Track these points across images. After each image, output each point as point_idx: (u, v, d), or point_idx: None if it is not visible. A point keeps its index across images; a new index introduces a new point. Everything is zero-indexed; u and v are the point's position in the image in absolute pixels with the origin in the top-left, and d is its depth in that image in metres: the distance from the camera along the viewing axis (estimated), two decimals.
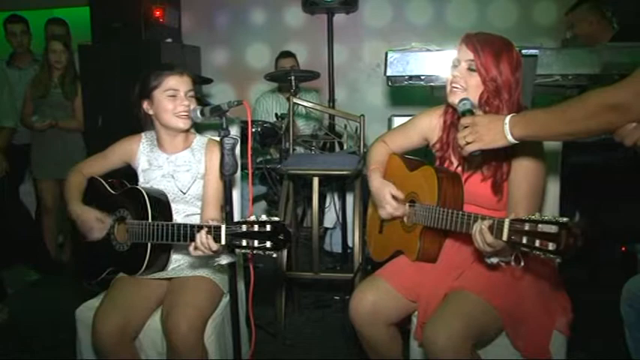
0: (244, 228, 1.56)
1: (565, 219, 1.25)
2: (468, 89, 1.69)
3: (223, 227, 1.61)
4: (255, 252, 1.55)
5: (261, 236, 1.53)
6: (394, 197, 1.88)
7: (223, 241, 1.61)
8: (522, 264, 1.52)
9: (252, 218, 1.55)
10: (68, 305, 2.05)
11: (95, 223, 1.97)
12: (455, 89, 1.72)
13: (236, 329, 1.79)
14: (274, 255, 1.55)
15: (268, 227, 1.52)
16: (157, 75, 1.95)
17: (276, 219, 1.54)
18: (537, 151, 1.69)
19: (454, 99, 1.71)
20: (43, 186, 3.86)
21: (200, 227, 1.68)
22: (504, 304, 1.65)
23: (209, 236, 1.65)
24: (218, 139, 1.69)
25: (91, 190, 2.08)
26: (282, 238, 1.52)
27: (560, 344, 1.75)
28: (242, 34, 4.72)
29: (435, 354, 1.56)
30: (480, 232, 1.49)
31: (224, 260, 1.82)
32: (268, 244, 1.52)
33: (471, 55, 1.68)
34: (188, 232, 1.71)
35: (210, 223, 1.66)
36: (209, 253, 1.68)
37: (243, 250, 1.57)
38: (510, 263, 1.57)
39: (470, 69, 1.69)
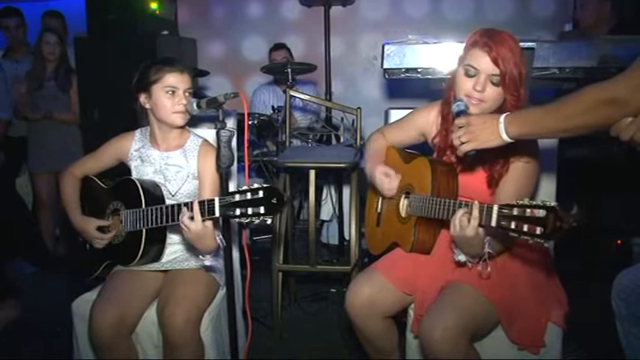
0: (237, 197, 1.55)
1: (553, 203, 1.25)
2: (487, 102, 1.64)
3: (217, 199, 1.61)
4: (249, 219, 1.54)
5: (255, 203, 1.52)
6: (386, 174, 1.89)
7: (217, 213, 1.60)
8: (489, 270, 1.58)
9: (245, 187, 1.55)
10: (65, 298, 2.05)
11: (96, 233, 1.97)
12: (474, 103, 1.64)
13: (232, 322, 1.78)
14: (269, 221, 1.54)
15: (260, 193, 1.52)
16: (157, 69, 1.91)
17: (268, 185, 1.54)
18: (531, 152, 1.67)
19: (475, 110, 1.64)
20: (39, 179, 3.84)
21: (192, 203, 1.66)
22: (500, 297, 1.66)
23: (185, 212, 1.65)
24: (212, 141, 1.68)
25: (84, 189, 2.07)
26: (275, 202, 1.52)
27: (556, 337, 1.76)
28: (239, 27, 4.70)
29: (431, 347, 1.57)
30: (462, 217, 1.50)
31: (207, 261, 1.82)
32: (262, 209, 1.51)
33: (496, 70, 1.60)
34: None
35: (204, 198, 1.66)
36: (194, 230, 1.66)
37: (238, 220, 1.56)
38: (477, 267, 1.62)
39: (493, 83, 1.63)
